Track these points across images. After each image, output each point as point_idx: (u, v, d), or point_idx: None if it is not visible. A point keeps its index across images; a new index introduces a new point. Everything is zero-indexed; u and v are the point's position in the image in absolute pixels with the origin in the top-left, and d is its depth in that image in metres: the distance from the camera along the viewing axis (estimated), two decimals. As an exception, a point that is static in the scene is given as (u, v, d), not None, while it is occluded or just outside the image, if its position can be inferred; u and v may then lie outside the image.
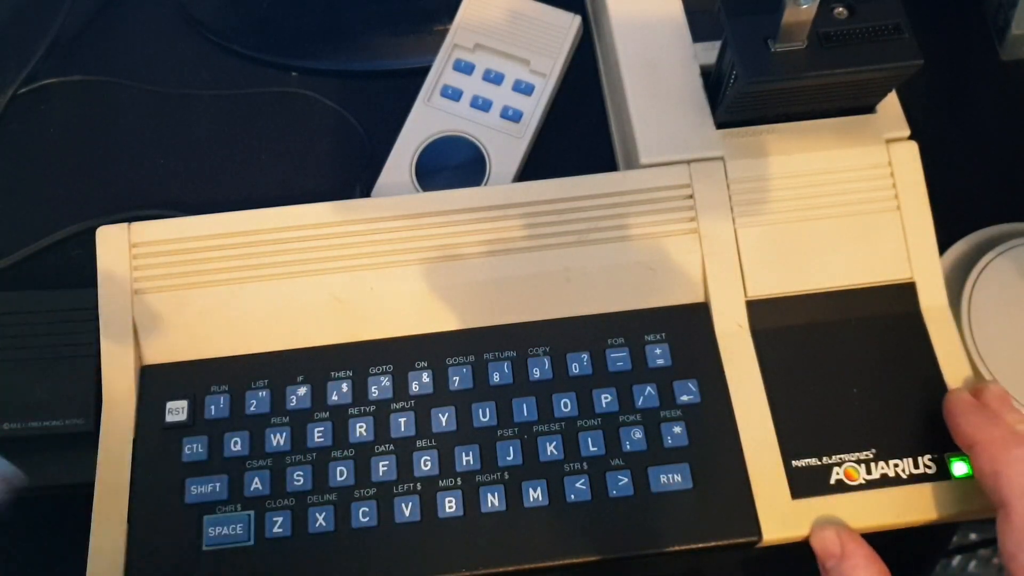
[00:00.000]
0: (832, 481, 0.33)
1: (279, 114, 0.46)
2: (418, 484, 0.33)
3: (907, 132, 0.37)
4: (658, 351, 0.35)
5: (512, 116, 0.43)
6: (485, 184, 0.42)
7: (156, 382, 0.35)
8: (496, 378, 0.35)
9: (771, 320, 0.36)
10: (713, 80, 0.38)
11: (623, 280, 0.36)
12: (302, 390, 0.35)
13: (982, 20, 0.48)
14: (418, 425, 0.34)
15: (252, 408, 0.34)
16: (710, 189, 0.37)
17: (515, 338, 0.35)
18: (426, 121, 0.43)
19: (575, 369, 0.35)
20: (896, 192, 0.37)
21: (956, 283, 0.39)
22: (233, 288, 0.36)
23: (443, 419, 0.34)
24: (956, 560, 0.41)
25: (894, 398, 0.34)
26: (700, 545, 0.32)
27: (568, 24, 0.44)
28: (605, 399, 0.34)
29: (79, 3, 0.48)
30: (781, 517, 0.32)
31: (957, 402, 0.33)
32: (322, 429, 0.34)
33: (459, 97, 0.44)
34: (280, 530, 0.32)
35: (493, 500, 0.33)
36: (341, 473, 0.33)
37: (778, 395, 0.34)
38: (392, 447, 0.34)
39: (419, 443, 0.34)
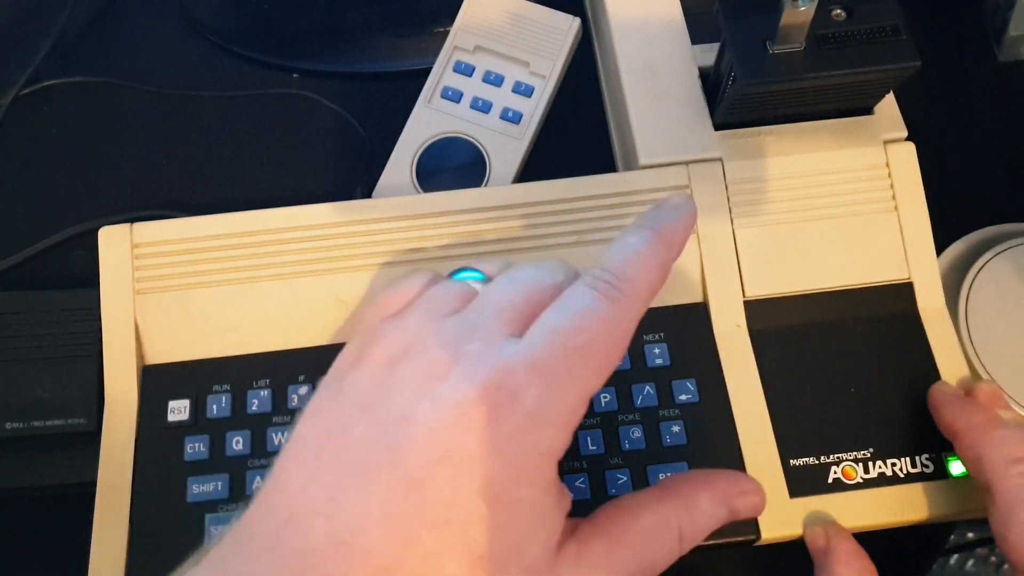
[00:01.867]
0: (830, 480, 0.33)
1: (280, 115, 0.46)
2: (418, 483, 0.33)
3: (904, 133, 0.38)
4: (656, 351, 0.35)
5: (512, 117, 0.43)
6: (485, 185, 0.42)
7: (158, 382, 0.35)
8: (496, 378, 0.35)
9: (769, 320, 0.36)
10: (711, 82, 0.38)
11: (622, 280, 0.36)
12: (304, 389, 0.35)
13: (980, 22, 0.48)
14: (418, 424, 0.34)
15: (254, 407, 0.35)
16: (708, 190, 0.37)
17: (515, 338, 0.36)
18: (427, 122, 0.43)
19: (574, 369, 0.35)
20: (894, 193, 0.37)
21: (953, 283, 0.39)
22: (235, 288, 0.36)
23: (443, 418, 0.34)
24: (953, 559, 0.42)
25: (891, 398, 0.34)
26: (698, 543, 0.32)
27: (567, 26, 0.44)
28: (604, 398, 0.34)
29: (81, 5, 0.48)
30: (779, 516, 0.32)
31: (939, 394, 0.34)
32: (323, 428, 0.34)
33: (459, 98, 0.44)
34: (281, 529, 0.32)
35: (493, 499, 0.33)
36: (342, 472, 0.33)
37: (776, 395, 0.34)
38: (393, 446, 0.34)
39: (419, 442, 0.34)
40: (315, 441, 0.25)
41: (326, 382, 0.27)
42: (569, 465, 0.33)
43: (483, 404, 0.24)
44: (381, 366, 0.26)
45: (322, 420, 0.26)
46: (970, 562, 0.41)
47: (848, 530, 0.32)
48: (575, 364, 0.25)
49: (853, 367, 0.35)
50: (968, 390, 0.34)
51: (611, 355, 0.26)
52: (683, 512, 0.27)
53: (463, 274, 0.30)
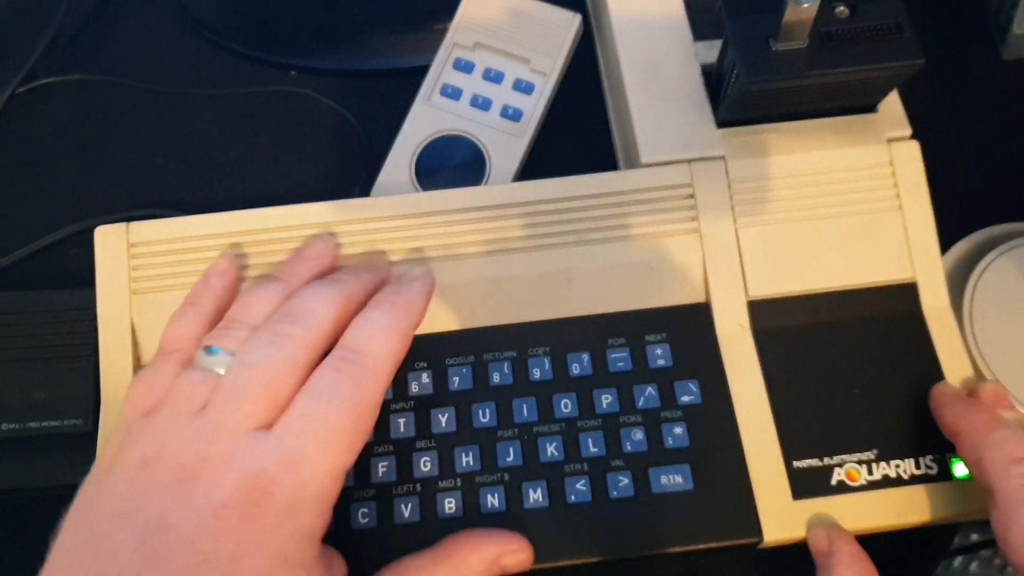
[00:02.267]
0: (833, 482, 0.33)
1: (278, 113, 0.46)
2: (417, 485, 0.33)
3: (908, 131, 0.37)
4: (659, 351, 0.35)
5: (512, 115, 0.43)
6: (485, 183, 0.42)
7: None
8: (496, 378, 0.35)
9: (772, 320, 0.35)
10: (714, 79, 0.38)
11: (623, 280, 0.36)
12: (301, 390, 0.34)
13: (983, 19, 0.48)
14: (418, 425, 0.34)
15: (251, 408, 0.34)
16: (711, 189, 0.36)
17: (515, 338, 0.35)
18: (426, 120, 0.43)
19: (575, 369, 0.35)
20: (898, 192, 0.37)
21: (958, 283, 0.39)
22: (232, 288, 0.36)
23: (443, 419, 0.34)
24: (957, 561, 0.41)
25: (896, 398, 0.34)
26: (701, 546, 0.32)
27: (568, 23, 0.44)
28: (605, 399, 0.34)
29: (78, 2, 0.48)
30: (782, 518, 0.32)
31: (941, 395, 0.33)
32: (321, 430, 0.34)
33: (459, 96, 0.43)
34: (279, 531, 0.32)
35: (493, 501, 0.33)
36: (340, 474, 0.33)
37: (779, 395, 0.34)
38: (391, 447, 0.33)
39: (419, 443, 0.34)
40: (77, 553, 0.25)
41: (86, 485, 0.28)
42: (570, 467, 0.33)
43: (236, 506, 0.25)
44: (135, 470, 0.26)
45: (83, 529, 0.26)
46: (974, 564, 0.40)
47: (851, 532, 0.32)
48: (326, 448, 0.27)
49: (857, 367, 0.35)
50: (972, 391, 0.34)
51: (360, 429, 0.28)
52: None
53: (210, 354, 0.29)
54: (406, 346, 0.30)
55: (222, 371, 0.28)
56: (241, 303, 0.31)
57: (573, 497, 0.33)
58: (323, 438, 0.27)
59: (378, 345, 0.29)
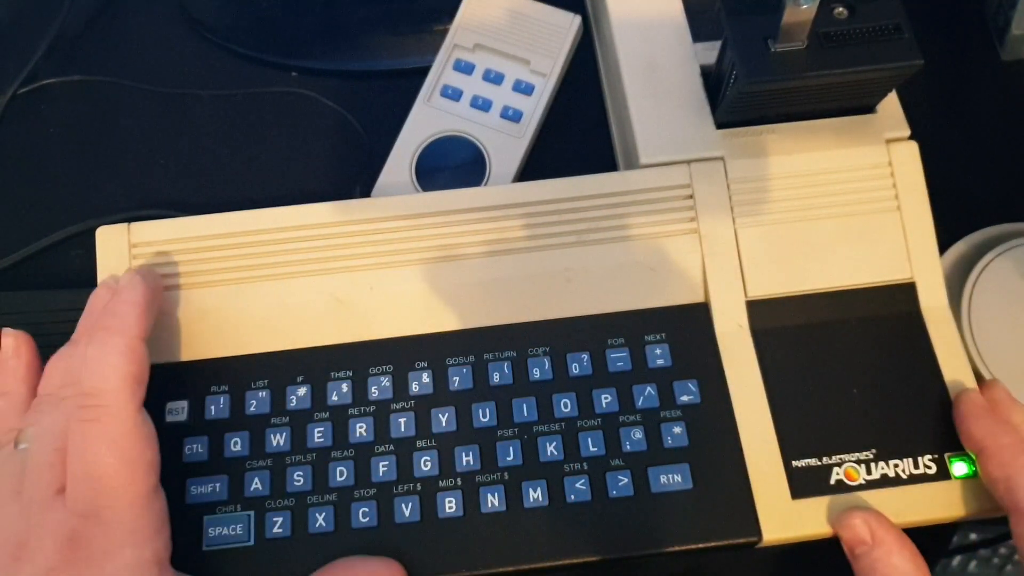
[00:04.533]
0: (832, 481, 0.33)
1: (279, 114, 0.46)
2: (418, 484, 0.33)
3: (907, 132, 0.37)
4: (658, 351, 0.35)
5: (512, 116, 0.43)
6: (485, 184, 0.42)
7: (156, 382, 0.35)
8: (496, 378, 0.35)
9: (771, 320, 0.36)
10: (713, 80, 0.38)
11: (623, 280, 0.36)
12: (302, 390, 0.35)
13: (982, 20, 0.48)
14: (418, 425, 0.34)
15: (252, 408, 0.34)
16: (710, 189, 0.37)
17: (515, 338, 0.35)
18: (426, 121, 0.43)
19: (575, 369, 0.35)
20: (896, 192, 0.37)
21: (956, 283, 0.39)
22: (233, 288, 0.36)
23: (443, 419, 0.34)
24: (956, 560, 0.41)
25: (894, 398, 0.34)
26: (700, 545, 0.32)
27: (568, 24, 0.44)
28: (605, 399, 0.34)
29: (79, 3, 0.48)
30: (781, 517, 0.32)
31: (968, 404, 0.33)
32: (322, 429, 0.34)
33: (459, 97, 0.44)
34: (280, 530, 0.32)
35: (493, 500, 0.33)
36: (341, 473, 0.33)
37: (778, 395, 0.34)
38: (392, 447, 0.34)
39: (419, 443, 0.34)
40: None
41: None
42: (570, 467, 0.33)
43: (61, 567, 0.28)
44: None
45: None
46: (972, 563, 0.40)
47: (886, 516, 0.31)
48: (113, 492, 0.29)
49: (855, 367, 0.35)
50: (989, 397, 0.33)
51: (135, 455, 0.29)
52: None
53: (25, 434, 0.31)
54: (138, 360, 0.31)
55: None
56: (43, 376, 0.33)
57: (573, 496, 0.33)
58: (106, 484, 0.29)
59: (106, 380, 0.30)
